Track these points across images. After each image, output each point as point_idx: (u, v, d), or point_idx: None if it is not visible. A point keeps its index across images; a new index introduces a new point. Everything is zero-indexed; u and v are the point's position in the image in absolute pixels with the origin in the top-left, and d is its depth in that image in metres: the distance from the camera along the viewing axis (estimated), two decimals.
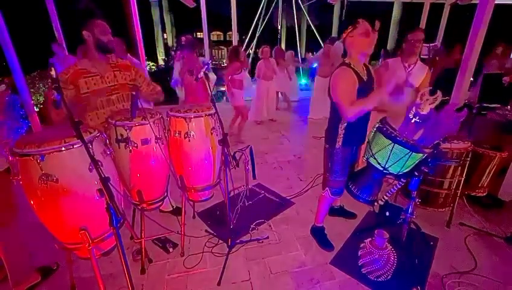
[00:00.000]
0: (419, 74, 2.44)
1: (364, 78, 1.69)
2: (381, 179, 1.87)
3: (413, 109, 1.52)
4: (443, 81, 4.02)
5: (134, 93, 1.58)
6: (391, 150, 1.60)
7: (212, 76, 3.51)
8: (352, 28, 1.61)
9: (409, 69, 2.44)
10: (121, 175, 1.69)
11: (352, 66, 1.66)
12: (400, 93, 1.61)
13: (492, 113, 2.82)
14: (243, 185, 2.78)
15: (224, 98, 6.69)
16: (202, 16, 6.43)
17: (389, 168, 1.68)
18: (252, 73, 5.91)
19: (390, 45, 12.24)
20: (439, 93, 1.48)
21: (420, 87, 2.38)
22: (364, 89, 1.68)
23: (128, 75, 1.93)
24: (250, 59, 10.05)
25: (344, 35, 1.66)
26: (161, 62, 9.71)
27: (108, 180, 1.11)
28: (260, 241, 2.17)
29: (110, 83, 1.84)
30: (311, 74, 7.19)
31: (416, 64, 2.45)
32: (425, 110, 1.49)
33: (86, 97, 1.74)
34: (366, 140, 1.83)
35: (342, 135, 1.78)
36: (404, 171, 1.69)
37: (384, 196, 1.89)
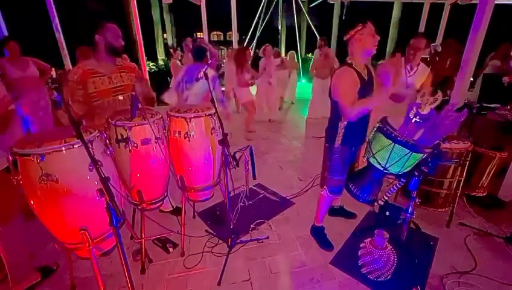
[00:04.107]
0: (421, 76, 2.46)
1: (366, 78, 1.70)
2: (381, 178, 1.87)
3: (414, 109, 1.52)
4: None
5: (134, 93, 1.59)
6: (391, 150, 1.60)
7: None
8: (362, 26, 1.61)
9: (410, 73, 2.45)
10: (121, 175, 1.69)
11: (354, 66, 1.67)
12: (401, 96, 1.62)
13: (492, 113, 2.82)
14: (243, 185, 2.78)
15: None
16: (202, 16, 6.43)
17: (389, 168, 1.68)
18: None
19: (390, 45, 12.23)
20: (439, 93, 1.48)
21: (422, 88, 2.39)
22: (365, 89, 1.69)
23: (133, 76, 1.98)
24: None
25: (352, 32, 1.63)
26: (161, 62, 9.70)
27: (108, 180, 1.10)
28: (260, 241, 2.17)
29: (117, 83, 1.87)
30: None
31: (418, 67, 2.46)
32: (425, 110, 1.49)
33: (92, 96, 1.77)
34: (367, 139, 1.84)
35: (342, 134, 1.79)
36: (404, 171, 1.69)
37: (384, 196, 1.89)
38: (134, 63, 2.11)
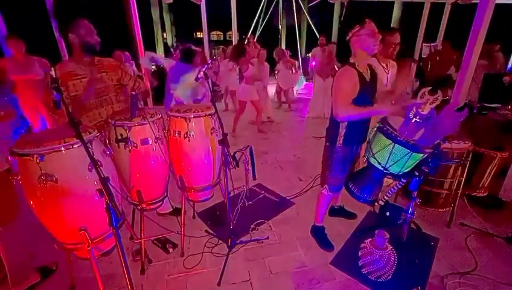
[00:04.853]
0: (394, 71, 2.48)
1: (367, 78, 1.70)
2: (382, 178, 1.87)
3: (414, 108, 1.51)
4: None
5: (133, 93, 1.58)
6: (391, 150, 1.60)
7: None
8: (359, 27, 1.61)
9: (388, 70, 2.44)
10: (121, 175, 1.69)
11: (356, 66, 1.66)
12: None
13: (493, 113, 2.81)
14: (243, 185, 2.77)
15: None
16: (202, 16, 6.42)
17: (390, 168, 1.68)
18: None
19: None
20: (439, 93, 1.47)
21: (396, 83, 2.38)
22: (367, 89, 1.68)
23: (114, 75, 1.91)
24: None
25: (350, 34, 1.65)
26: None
27: (108, 180, 1.10)
28: (260, 241, 2.17)
29: (98, 84, 1.82)
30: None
31: (390, 63, 2.46)
32: (425, 110, 1.48)
33: (74, 99, 1.73)
34: (367, 139, 1.83)
35: (343, 134, 1.78)
36: (405, 171, 1.68)
37: (385, 196, 1.89)
38: (114, 60, 2.00)
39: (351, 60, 1.70)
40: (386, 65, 2.44)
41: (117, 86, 1.93)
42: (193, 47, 3.23)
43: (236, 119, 4.70)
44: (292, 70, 6.39)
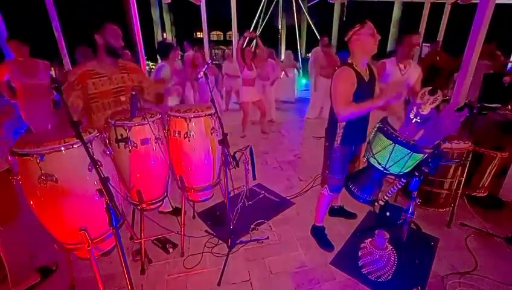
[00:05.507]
0: (414, 74, 2.48)
1: (366, 78, 1.70)
2: (382, 179, 1.87)
3: (414, 109, 1.51)
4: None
5: (134, 93, 1.58)
6: (392, 150, 1.60)
7: None
8: (360, 26, 1.61)
9: (404, 71, 2.46)
10: (121, 175, 1.69)
11: (354, 66, 1.66)
12: (398, 97, 1.62)
13: (493, 113, 2.81)
14: (243, 185, 2.77)
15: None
16: (202, 16, 6.42)
17: (390, 168, 1.68)
18: None
19: (390, 44, 12.22)
20: (439, 93, 1.47)
21: (414, 86, 2.43)
22: (365, 89, 1.68)
23: (135, 77, 1.95)
24: None
25: (350, 33, 1.65)
26: (160, 62, 9.70)
27: (108, 180, 1.10)
28: (260, 241, 2.17)
29: (118, 84, 1.84)
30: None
31: (410, 66, 2.48)
32: (426, 110, 1.48)
33: (92, 97, 1.75)
34: (367, 140, 1.83)
35: (341, 134, 1.79)
36: (405, 171, 1.68)
37: (385, 196, 1.89)
38: (134, 64, 2.08)
39: (349, 60, 1.70)
40: (404, 66, 2.44)
41: (136, 87, 1.95)
42: (167, 41, 3.21)
43: (243, 122, 4.67)
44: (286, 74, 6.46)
